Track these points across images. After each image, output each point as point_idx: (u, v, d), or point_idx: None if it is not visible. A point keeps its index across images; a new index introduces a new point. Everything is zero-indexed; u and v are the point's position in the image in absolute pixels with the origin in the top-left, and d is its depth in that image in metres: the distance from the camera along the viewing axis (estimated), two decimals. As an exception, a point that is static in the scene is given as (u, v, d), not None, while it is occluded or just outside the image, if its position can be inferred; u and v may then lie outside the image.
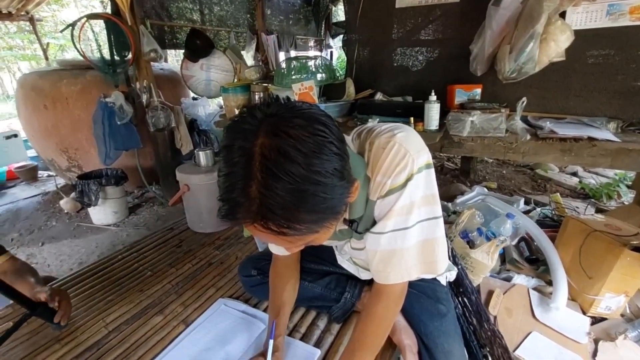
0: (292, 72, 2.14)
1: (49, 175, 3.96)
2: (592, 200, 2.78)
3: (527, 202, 2.53)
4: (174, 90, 3.48)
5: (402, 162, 0.57)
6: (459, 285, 1.08)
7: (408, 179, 0.58)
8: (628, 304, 1.57)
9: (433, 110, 1.50)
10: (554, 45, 1.32)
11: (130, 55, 2.73)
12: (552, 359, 1.30)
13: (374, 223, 0.65)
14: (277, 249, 0.84)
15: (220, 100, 4.15)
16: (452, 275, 0.98)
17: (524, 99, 1.53)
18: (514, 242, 1.79)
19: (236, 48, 3.57)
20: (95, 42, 2.73)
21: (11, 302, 1.10)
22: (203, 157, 1.43)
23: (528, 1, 1.38)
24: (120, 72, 2.80)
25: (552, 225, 2.08)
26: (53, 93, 2.87)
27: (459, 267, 1.08)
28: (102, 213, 2.77)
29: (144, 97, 2.85)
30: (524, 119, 1.52)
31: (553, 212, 2.37)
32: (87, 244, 2.53)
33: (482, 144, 1.68)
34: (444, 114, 1.63)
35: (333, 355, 0.82)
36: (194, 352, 0.84)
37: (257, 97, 1.98)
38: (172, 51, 4.17)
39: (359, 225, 0.66)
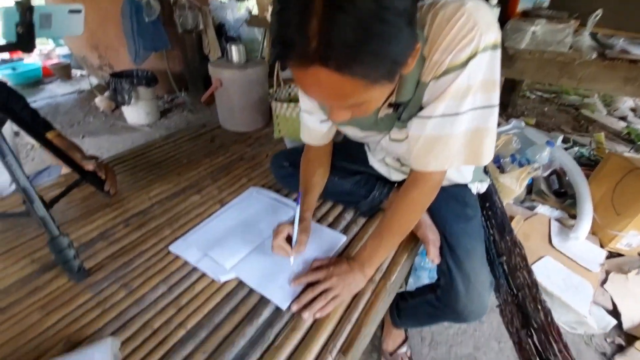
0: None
1: (81, 75, 4.01)
2: (638, 144, 2.59)
3: (565, 141, 2.39)
4: (202, -11, 3.23)
5: (467, 36, 0.51)
6: (487, 200, 1.08)
7: (470, 57, 0.52)
8: (650, 244, 1.55)
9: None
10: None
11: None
12: (560, 280, 1.35)
13: (420, 110, 0.62)
14: (311, 136, 0.84)
15: (249, 4, 3.85)
16: (483, 187, 0.98)
17: (599, 11, 1.32)
18: (545, 174, 1.74)
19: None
20: None
21: (63, 173, 1.20)
22: (235, 51, 1.38)
23: None
24: (147, -39, 2.59)
25: (587, 164, 1.99)
26: (79, -19, 2.73)
27: (491, 182, 1.06)
28: (135, 113, 2.84)
29: (171, -7, 2.67)
30: (593, 36, 1.33)
31: (591, 152, 2.25)
32: (123, 141, 2.65)
33: (537, 64, 1.52)
34: (501, 24, 1.45)
35: (358, 242, 0.87)
36: (229, 226, 0.92)
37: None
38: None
39: (405, 111, 0.64)
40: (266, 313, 0.69)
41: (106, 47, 3.04)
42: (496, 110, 0.58)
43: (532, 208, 1.67)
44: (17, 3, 0.62)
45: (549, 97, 3.79)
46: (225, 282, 0.76)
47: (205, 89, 1.42)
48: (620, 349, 1.27)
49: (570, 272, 1.40)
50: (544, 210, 1.65)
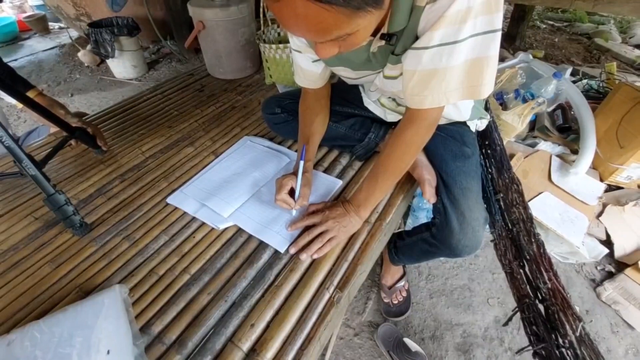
0: None
1: (60, 28, 3.76)
2: (652, 73, 2.46)
3: (574, 73, 2.28)
4: None
5: None
6: (486, 137, 1.06)
7: None
8: (651, 175, 1.54)
9: None
10: None
11: None
12: (556, 215, 1.38)
13: (415, 41, 0.57)
14: (306, 78, 0.80)
15: None
16: (482, 124, 0.95)
17: None
18: (549, 109, 1.68)
19: None
20: None
21: (52, 132, 1.18)
22: (217, -12, 1.26)
23: None
24: None
25: (594, 97, 1.91)
26: None
27: (491, 118, 1.03)
28: (121, 66, 2.71)
29: None
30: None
31: (601, 84, 2.14)
32: (113, 96, 2.57)
33: (548, -14, 1.38)
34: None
35: (353, 186, 0.87)
36: (224, 176, 0.91)
37: None
38: None
39: (399, 43, 0.58)
40: (265, 256, 0.71)
41: (80, -7, 2.80)
42: (499, 35, 0.53)
43: (533, 145, 1.64)
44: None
45: (561, 26, 3.54)
46: (225, 230, 0.77)
47: (190, 32, 1.33)
48: (609, 275, 1.33)
49: (567, 207, 1.42)
50: (545, 146, 1.62)
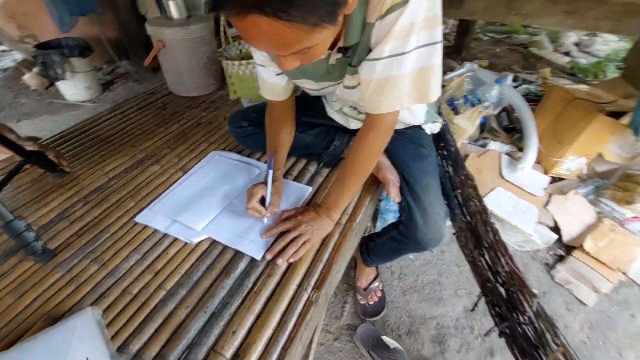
0: None
1: (3, 51, 3.53)
2: (580, 76, 2.78)
3: (515, 79, 2.52)
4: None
5: None
6: (441, 139, 1.14)
7: None
8: (586, 167, 1.74)
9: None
10: None
11: None
12: (509, 207, 1.50)
13: (369, 53, 0.63)
14: (271, 91, 0.83)
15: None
16: (436, 127, 1.03)
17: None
18: (495, 112, 1.84)
19: None
20: None
21: (2, 159, 1.11)
22: (174, 7, 1.27)
23: None
24: None
25: (534, 100, 2.12)
26: None
27: (444, 122, 1.12)
28: (73, 88, 2.60)
29: (91, -57, 2.34)
30: (534, -30, 1.37)
31: (538, 88, 2.39)
32: (65, 120, 2.45)
33: (484, 2, 1.55)
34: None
35: (323, 191, 0.91)
36: (195, 191, 0.91)
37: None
38: None
39: (354, 55, 0.64)
40: (242, 265, 0.72)
41: (24, 15, 2.68)
42: (440, 46, 0.60)
43: (484, 145, 1.79)
44: None
45: (501, 38, 3.88)
46: (199, 243, 0.77)
47: (148, 54, 1.32)
48: (560, 258, 1.46)
49: (518, 199, 1.56)
50: (495, 146, 1.77)
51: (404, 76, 0.61)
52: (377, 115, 0.68)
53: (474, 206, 1.00)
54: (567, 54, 3.43)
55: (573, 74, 2.98)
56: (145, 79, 2.95)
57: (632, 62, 2.17)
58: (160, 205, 0.88)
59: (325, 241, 0.77)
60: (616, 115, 1.53)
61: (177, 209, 0.86)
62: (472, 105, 1.66)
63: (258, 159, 1.04)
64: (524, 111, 1.77)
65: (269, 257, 0.72)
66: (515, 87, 2.34)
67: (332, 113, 0.98)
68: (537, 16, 1.57)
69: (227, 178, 0.94)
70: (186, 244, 0.77)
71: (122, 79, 3.00)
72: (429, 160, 0.92)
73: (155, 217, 0.84)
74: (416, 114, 0.90)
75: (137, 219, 0.85)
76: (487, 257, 0.93)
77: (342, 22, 0.56)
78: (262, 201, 0.78)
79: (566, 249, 1.50)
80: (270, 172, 0.78)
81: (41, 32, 2.74)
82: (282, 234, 0.76)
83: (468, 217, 1.01)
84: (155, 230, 0.81)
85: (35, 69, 2.81)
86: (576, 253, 1.44)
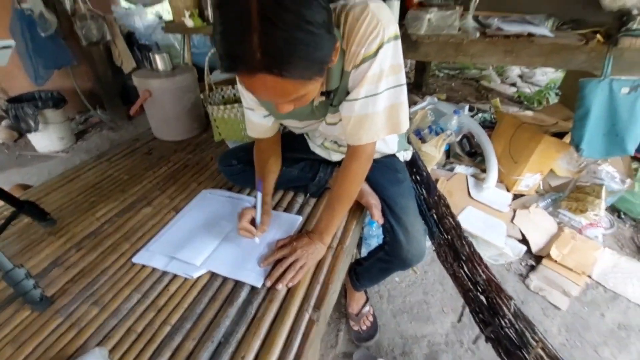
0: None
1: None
2: (526, 104, 3.13)
3: (471, 109, 2.79)
4: (102, -2, 3.01)
5: (374, 31, 0.64)
6: (414, 166, 1.26)
7: (379, 48, 0.65)
8: (542, 182, 1.93)
9: (394, 8, 1.53)
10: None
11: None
12: (480, 224, 1.62)
13: (347, 95, 0.74)
14: (258, 130, 0.92)
15: (157, 8, 3.67)
16: (408, 155, 1.15)
17: (477, -4, 1.60)
18: (457, 139, 2.03)
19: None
20: None
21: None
22: (160, 60, 1.37)
23: None
24: (31, -30, 2.33)
25: (489, 126, 2.36)
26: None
27: (414, 150, 1.25)
28: (46, 139, 2.57)
29: (67, 3, 2.45)
30: (475, 18, 1.60)
31: (492, 116, 2.65)
32: (38, 171, 2.40)
33: (436, 46, 1.76)
34: (402, 16, 1.66)
35: (312, 219, 0.98)
36: (190, 228, 0.95)
37: (208, -4, 1.82)
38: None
39: (335, 97, 0.75)
40: (244, 293, 0.76)
41: (-4, 70, 2.68)
42: (405, 87, 0.73)
43: (452, 169, 1.95)
44: None
45: (455, 73, 4.30)
46: (199, 278, 0.80)
47: (124, 103, 1.39)
48: (532, 268, 1.58)
49: (487, 216, 1.69)
50: (461, 169, 1.93)
51: (379, 113, 0.73)
52: (358, 147, 0.78)
53: (448, 223, 1.10)
54: (513, 84, 3.86)
55: (520, 102, 3.35)
56: (120, 126, 2.98)
57: (566, 90, 2.50)
58: (157, 244, 0.91)
59: (319, 264, 0.83)
60: (560, 135, 1.75)
61: (174, 246, 0.89)
62: (437, 134, 1.83)
63: (248, 194, 1.10)
64: (482, 137, 1.97)
65: (268, 283, 0.77)
66: (472, 116, 2.59)
67: (315, 147, 1.08)
68: (481, 56, 1.79)
69: (221, 214, 0.99)
70: (186, 279, 0.80)
71: (95, 127, 3.00)
72: (405, 184, 1.02)
73: (153, 256, 0.87)
74: (390, 143, 1.01)
75: (135, 259, 0.87)
76: (465, 268, 1.02)
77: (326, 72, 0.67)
78: (253, 223, 0.84)
79: (535, 258, 1.63)
80: (259, 194, 0.84)
81: (12, 86, 2.74)
82: (279, 261, 0.81)
83: (445, 234, 1.10)
84: (154, 269, 0.83)
85: (4, 123, 2.77)
86: (545, 261, 1.56)
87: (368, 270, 1.13)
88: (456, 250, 1.03)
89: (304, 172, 1.07)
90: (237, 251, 0.86)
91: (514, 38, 1.53)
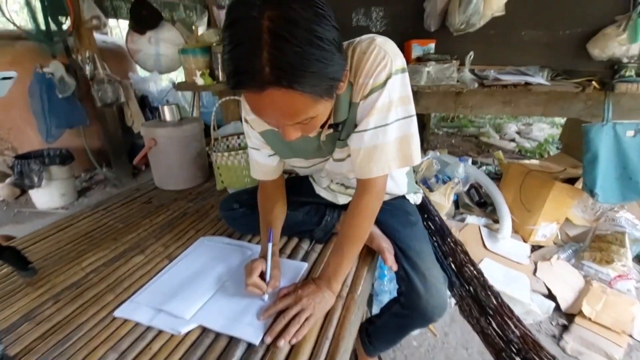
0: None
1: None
2: (529, 156, 3.15)
3: (473, 163, 2.80)
4: (120, 66, 3.26)
5: (382, 63, 0.64)
6: (424, 210, 1.20)
7: (387, 78, 0.64)
8: (559, 232, 1.83)
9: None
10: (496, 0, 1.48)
11: (68, 22, 2.50)
12: (501, 277, 1.49)
13: (355, 127, 0.71)
14: (263, 171, 0.88)
15: (172, 75, 3.96)
16: (418, 198, 1.09)
17: (472, 52, 1.69)
18: (465, 189, 1.99)
19: (186, 21, 3.40)
20: (28, 8, 2.44)
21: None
22: (169, 112, 1.40)
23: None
24: (58, 40, 2.56)
25: (495, 178, 2.34)
26: (-24, 66, 2.55)
27: (424, 194, 1.19)
28: (47, 196, 2.55)
29: (87, 69, 2.63)
30: (472, 72, 1.68)
31: (496, 168, 2.65)
32: (33, 227, 2.30)
33: (437, 98, 1.82)
34: (401, 70, 1.75)
35: (319, 266, 0.88)
36: (183, 277, 0.85)
37: (219, 57, 1.94)
38: (114, 22, 3.85)
39: (343, 130, 0.72)
40: (239, 352, 0.64)
41: (8, 129, 2.79)
42: (415, 119, 0.70)
43: (462, 220, 1.87)
44: None
45: (454, 131, 4.44)
46: (187, 334, 0.69)
47: (131, 161, 1.38)
48: (564, 328, 1.41)
49: (507, 269, 1.56)
50: (472, 220, 1.85)
51: (389, 143, 0.69)
52: (369, 180, 0.73)
53: (469, 272, 1.00)
54: (512, 140, 3.94)
55: (522, 155, 3.38)
56: (123, 183, 2.98)
57: (567, 139, 2.52)
58: (144, 295, 0.81)
59: (328, 316, 0.72)
60: (570, 181, 1.70)
61: (163, 297, 0.78)
62: (444, 182, 1.79)
63: (249, 241, 1.02)
64: (490, 187, 1.93)
65: (268, 340, 0.65)
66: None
67: (320, 190, 1.03)
68: (480, 107, 1.84)
69: (218, 261, 0.90)
70: (173, 335, 0.69)
71: (99, 185, 3.01)
72: (418, 227, 0.95)
73: (138, 308, 0.76)
74: (399, 183, 0.96)
75: (116, 313, 0.76)
76: (494, 324, 0.89)
77: (334, 102, 0.65)
78: (262, 277, 0.75)
79: (566, 317, 1.46)
80: (270, 245, 0.77)
81: (21, 143, 2.82)
82: (281, 312, 0.70)
83: (466, 284, 0.99)
84: (138, 324, 0.72)
85: (8, 180, 2.79)
86: (578, 320, 1.40)
87: (382, 328, 1.00)
88: (481, 303, 0.91)
89: (309, 216, 1.00)
90: (233, 302, 0.75)
91: (512, 87, 1.57)
